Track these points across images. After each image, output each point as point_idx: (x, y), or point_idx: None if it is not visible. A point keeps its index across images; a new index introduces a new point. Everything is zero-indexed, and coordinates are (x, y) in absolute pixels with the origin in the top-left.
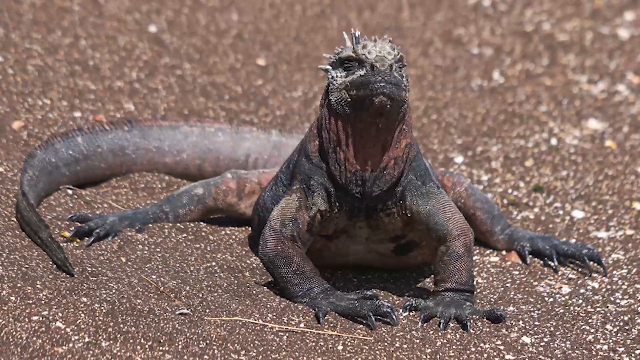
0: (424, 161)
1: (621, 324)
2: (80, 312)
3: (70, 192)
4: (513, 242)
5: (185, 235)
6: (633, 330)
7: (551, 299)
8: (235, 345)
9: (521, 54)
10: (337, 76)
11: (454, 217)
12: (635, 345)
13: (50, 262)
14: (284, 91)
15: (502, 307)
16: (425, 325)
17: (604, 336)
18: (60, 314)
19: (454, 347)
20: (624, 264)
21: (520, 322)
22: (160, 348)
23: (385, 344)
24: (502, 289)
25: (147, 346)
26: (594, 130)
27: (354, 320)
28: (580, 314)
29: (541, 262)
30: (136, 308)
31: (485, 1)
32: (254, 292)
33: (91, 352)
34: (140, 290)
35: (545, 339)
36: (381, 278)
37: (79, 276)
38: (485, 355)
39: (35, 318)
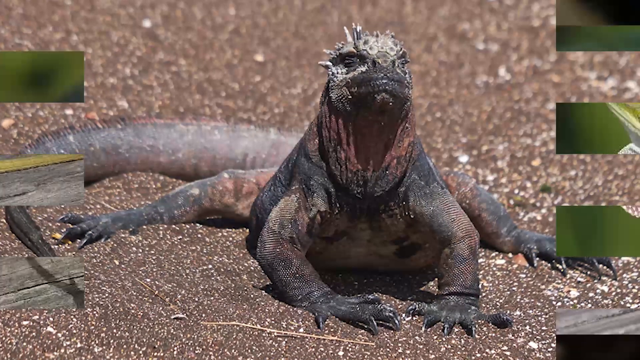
0: (428, 160)
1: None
2: (72, 316)
3: None
4: (520, 244)
5: (180, 237)
6: None
7: (559, 303)
8: (233, 350)
9: (528, 49)
10: (337, 73)
11: (458, 218)
12: None
13: None
14: (283, 88)
15: (508, 312)
16: (428, 330)
17: None
18: (51, 319)
19: (458, 352)
20: (634, 267)
21: (527, 327)
22: (155, 354)
23: (388, 349)
24: (508, 292)
25: (141, 352)
26: None
27: (355, 325)
28: None
29: (549, 264)
30: (130, 312)
31: None
32: (252, 296)
33: (83, 358)
34: (134, 294)
35: (552, 345)
36: (383, 281)
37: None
38: None
39: (25, 323)
